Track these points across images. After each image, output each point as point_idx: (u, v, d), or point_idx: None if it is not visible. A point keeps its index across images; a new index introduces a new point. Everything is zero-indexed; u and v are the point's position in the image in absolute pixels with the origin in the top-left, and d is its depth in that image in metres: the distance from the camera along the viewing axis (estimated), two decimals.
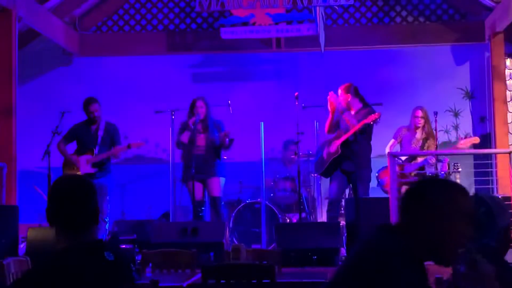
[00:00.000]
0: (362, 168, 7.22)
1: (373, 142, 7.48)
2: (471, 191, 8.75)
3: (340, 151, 7.20)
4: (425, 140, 7.96)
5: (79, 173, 7.59)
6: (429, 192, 2.17)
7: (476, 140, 7.99)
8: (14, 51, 7.78)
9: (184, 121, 7.68)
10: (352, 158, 7.20)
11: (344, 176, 7.32)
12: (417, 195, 2.19)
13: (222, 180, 7.64)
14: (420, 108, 8.06)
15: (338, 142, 7.25)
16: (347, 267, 2.18)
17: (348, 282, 2.11)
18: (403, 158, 7.95)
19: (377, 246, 2.13)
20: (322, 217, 8.56)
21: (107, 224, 7.73)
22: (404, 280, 2.05)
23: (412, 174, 7.87)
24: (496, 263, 2.56)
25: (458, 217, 2.15)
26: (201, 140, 7.49)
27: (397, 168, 7.80)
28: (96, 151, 7.71)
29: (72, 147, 7.95)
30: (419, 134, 8.00)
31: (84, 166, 7.68)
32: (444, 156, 8.09)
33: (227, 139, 7.43)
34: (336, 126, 7.45)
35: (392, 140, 8.15)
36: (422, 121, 7.97)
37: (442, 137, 9.42)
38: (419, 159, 7.89)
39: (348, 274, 2.13)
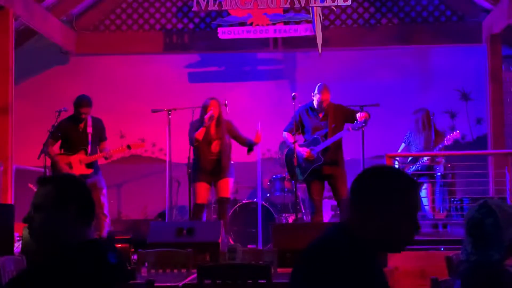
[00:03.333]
0: (340, 169, 7.32)
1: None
2: (468, 193, 8.79)
3: (322, 158, 7.28)
4: (432, 136, 7.98)
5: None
6: (376, 182, 2.12)
7: (457, 135, 8.04)
8: (11, 49, 7.77)
9: (195, 120, 7.57)
10: (331, 163, 7.28)
11: (323, 181, 7.38)
12: (363, 186, 2.14)
13: (231, 180, 7.56)
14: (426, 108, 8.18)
15: (318, 149, 7.33)
16: (299, 267, 2.15)
17: (300, 282, 2.08)
18: (408, 159, 7.97)
19: (323, 245, 2.11)
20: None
21: (108, 218, 7.64)
22: (351, 277, 2.00)
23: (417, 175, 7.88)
24: (496, 275, 2.55)
25: (405, 207, 2.10)
26: (215, 146, 7.40)
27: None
28: (89, 151, 7.59)
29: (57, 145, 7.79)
30: (427, 133, 7.99)
31: (77, 167, 7.49)
32: (440, 157, 8.10)
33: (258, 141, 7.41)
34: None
35: (403, 145, 8.16)
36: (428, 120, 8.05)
37: None
38: (426, 159, 7.90)
39: (300, 274, 2.11)
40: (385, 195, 2.09)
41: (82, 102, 7.57)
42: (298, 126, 7.50)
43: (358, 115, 7.16)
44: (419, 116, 8.11)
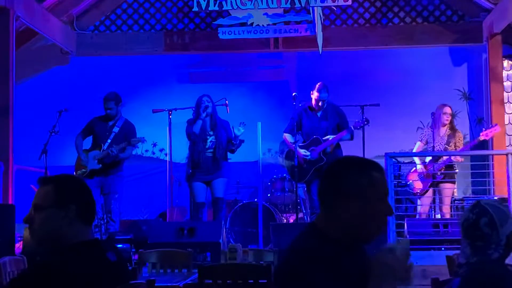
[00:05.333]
0: None
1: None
2: (469, 192, 8.79)
3: (324, 158, 7.31)
4: (451, 136, 7.91)
5: (85, 170, 7.60)
6: (341, 175, 2.11)
7: (497, 129, 7.89)
8: (11, 50, 7.77)
9: (191, 118, 7.68)
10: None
11: None
12: (330, 182, 2.13)
13: (225, 180, 7.63)
14: (449, 105, 8.05)
15: (319, 149, 7.35)
16: (277, 270, 2.15)
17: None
18: (428, 159, 7.90)
19: (292, 250, 2.10)
20: None
21: (116, 223, 7.65)
22: (316, 280, 1.99)
23: (439, 173, 7.82)
24: (493, 273, 2.55)
25: (373, 194, 2.08)
26: (211, 142, 7.50)
27: (423, 169, 7.80)
28: (104, 147, 7.66)
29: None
30: (443, 131, 7.93)
31: (92, 162, 7.64)
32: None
33: (238, 140, 7.45)
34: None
35: (419, 143, 8.06)
36: (450, 118, 7.95)
37: None
38: (445, 157, 7.81)
39: (277, 277, 2.11)
40: (352, 185, 2.07)
41: (105, 97, 7.81)
42: (298, 127, 7.55)
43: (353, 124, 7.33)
44: (435, 113, 8.02)
